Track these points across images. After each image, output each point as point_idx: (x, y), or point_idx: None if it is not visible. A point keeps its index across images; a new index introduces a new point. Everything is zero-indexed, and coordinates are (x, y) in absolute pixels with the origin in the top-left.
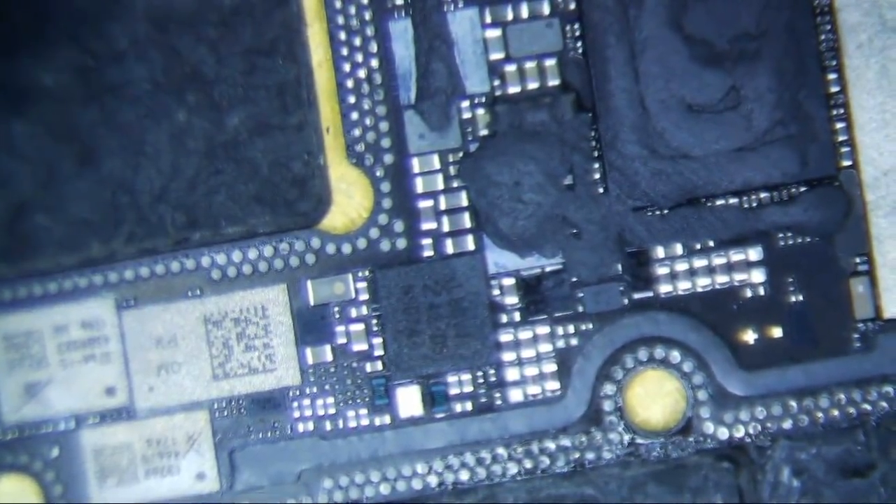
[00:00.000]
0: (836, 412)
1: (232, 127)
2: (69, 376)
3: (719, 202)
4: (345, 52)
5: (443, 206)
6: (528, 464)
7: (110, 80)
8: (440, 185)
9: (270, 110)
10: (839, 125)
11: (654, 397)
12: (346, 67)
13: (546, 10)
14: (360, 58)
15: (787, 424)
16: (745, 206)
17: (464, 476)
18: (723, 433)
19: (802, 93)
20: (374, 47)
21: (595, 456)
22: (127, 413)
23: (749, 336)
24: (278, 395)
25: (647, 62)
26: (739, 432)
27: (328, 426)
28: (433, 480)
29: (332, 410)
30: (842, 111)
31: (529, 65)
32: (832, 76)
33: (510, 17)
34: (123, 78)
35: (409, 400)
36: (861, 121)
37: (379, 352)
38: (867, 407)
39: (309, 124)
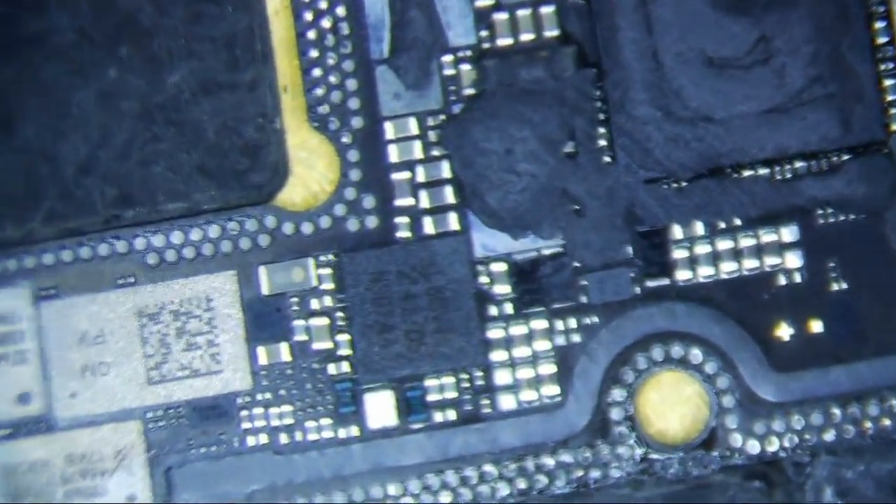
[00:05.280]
0: (887, 421)
1: (172, 85)
2: None
3: (747, 173)
4: None
5: (421, 179)
6: (521, 483)
7: (29, 31)
8: (418, 154)
9: (218, 66)
10: (888, 82)
11: (672, 404)
12: (308, 16)
13: None
14: (323, 4)
15: (830, 436)
16: (778, 177)
17: (445, 498)
18: (753, 446)
19: (845, 44)
20: None
21: (601, 474)
22: (44, 424)
23: (784, 331)
24: (225, 402)
25: (661, 9)
26: (773, 445)
27: (284, 439)
28: (408, 503)
29: (288, 420)
30: (891, 66)
31: (523, 13)
32: (880, 24)
33: None
34: (45, 28)
35: (380, 408)
36: None
37: (345, 350)
38: None
39: (263, 82)
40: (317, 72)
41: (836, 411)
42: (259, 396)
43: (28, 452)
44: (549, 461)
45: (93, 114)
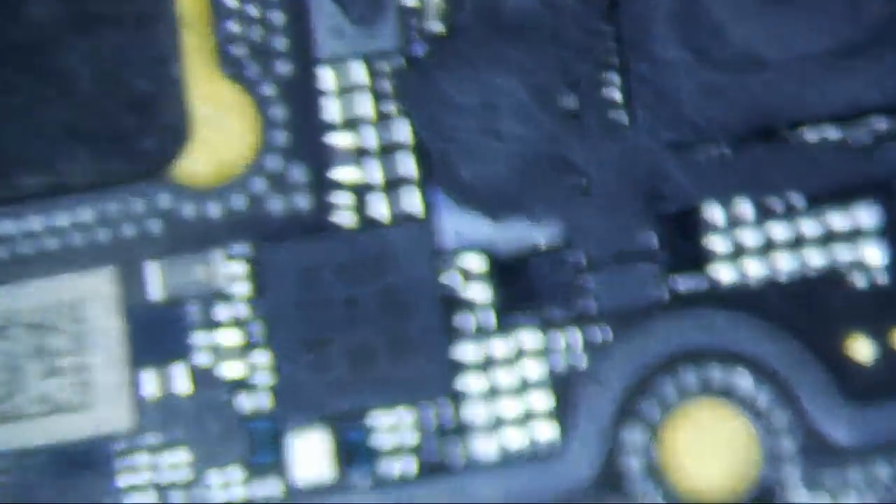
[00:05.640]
0: None
1: (35, 19)
2: None
3: (810, 135)
4: None
5: (371, 144)
6: None
7: None
8: (366, 111)
9: None
10: None
11: (710, 448)
12: None
13: None
14: None
15: None
16: (852, 140)
17: None
18: None
19: None
20: None
21: None
22: None
23: (862, 350)
24: (98, 448)
25: None
26: None
27: (179, 498)
28: None
29: (185, 473)
30: None
31: None
32: None
33: None
34: None
35: (311, 455)
36: None
37: (264, 377)
38: None
39: (157, 16)
40: (230, 0)
41: None
42: (145, 440)
43: None
44: None
45: None
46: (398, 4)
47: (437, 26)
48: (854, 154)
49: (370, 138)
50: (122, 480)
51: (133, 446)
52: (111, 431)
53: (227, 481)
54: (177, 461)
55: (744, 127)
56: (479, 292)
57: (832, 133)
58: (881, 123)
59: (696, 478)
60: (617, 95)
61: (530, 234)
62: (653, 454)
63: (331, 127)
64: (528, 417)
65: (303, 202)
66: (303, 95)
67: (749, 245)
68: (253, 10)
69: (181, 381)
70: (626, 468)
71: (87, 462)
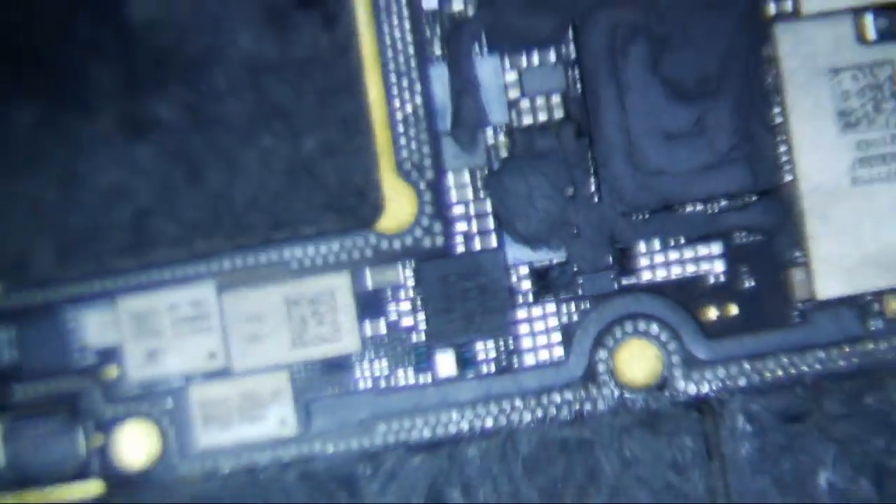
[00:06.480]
0: (780, 372)
1: (308, 150)
2: (181, 345)
3: (689, 208)
4: (395, 91)
5: (472, 212)
6: (539, 413)
7: (213, 113)
8: (470, 196)
9: (337, 136)
10: (782, 148)
11: (638, 361)
12: (397, 103)
13: (552, 57)
14: (407, 95)
15: (742, 382)
16: (709, 211)
17: (489, 423)
18: (692, 389)
19: (754, 122)
20: (418, 87)
21: (591, 407)
22: (226, 373)
23: (712, 313)
24: (344, 360)
25: (631, 99)
26: (705, 388)
27: (382, 384)
28: (465, 426)
29: (385, 372)
30: (784, 137)
31: (539, 101)
32: (777, 109)
33: (524, 63)
34: (223, 112)
35: (445, 363)
36: (799, 144)
37: (422, 326)
38: (804, 368)
39: (367, 147)
40: (402, 140)
41: (747, 366)
42: (366, 356)
43: (215, 391)
44: (557, 398)
45: (255, 169)
46: (485, 142)
47: (503, 153)
48: (711, 218)
49: (472, 209)
50: (356, 374)
51: (360, 359)
52: (350, 352)
53: (405, 375)
54: (381, 365)
55: (656, 205)
56: (526, 285)
57: (700, 208)
58: (724, 203)
59: (631, 375)
60: (593, 188)
61: (550, 256)
62: (610, 363)
63: (452, 203)
64: (548, 345)
65: (439, 241)
66: (439, 188)
67: (658, 262)
68: (413, 146)
69: (382, 327)
70: (597, 370)
71: (339, 366)
